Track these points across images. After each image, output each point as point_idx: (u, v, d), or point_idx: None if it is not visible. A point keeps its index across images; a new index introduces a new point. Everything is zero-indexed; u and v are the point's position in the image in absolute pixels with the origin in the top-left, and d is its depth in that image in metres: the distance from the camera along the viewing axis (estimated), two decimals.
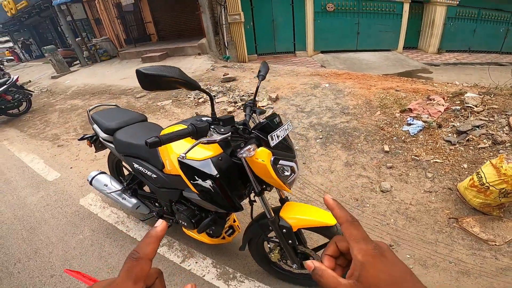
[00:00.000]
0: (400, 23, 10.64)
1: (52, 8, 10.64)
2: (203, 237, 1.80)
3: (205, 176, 1.35)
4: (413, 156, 2.66)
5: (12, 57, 21.48)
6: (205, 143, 1.14)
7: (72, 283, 1.94)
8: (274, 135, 1.17)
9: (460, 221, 1.95)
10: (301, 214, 1.37)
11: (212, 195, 1.38)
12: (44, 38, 20.91)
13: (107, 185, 2.20)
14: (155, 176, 1.67)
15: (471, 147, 2.56)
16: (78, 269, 2.02)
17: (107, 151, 2.43)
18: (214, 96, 4.96)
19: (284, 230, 1.37)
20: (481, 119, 2.86)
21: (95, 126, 2.14)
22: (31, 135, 4.93)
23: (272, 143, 1.17)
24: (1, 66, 12.66)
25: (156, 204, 2.08)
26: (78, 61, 11.08)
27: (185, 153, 1.07)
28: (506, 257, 1.75)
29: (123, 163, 2.45)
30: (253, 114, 1.44)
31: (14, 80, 5.88)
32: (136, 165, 1.79)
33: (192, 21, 10.05)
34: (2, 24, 19.95)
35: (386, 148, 2.85)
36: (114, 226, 2.43)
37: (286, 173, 1.25)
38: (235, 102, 4.54)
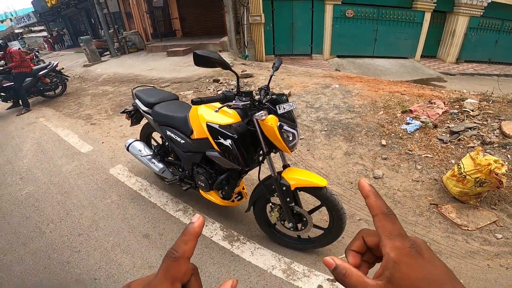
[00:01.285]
0: (420, 32, 10.71)
1: (90, 0, 11.41)
2: (216, 198, 2.10)
3: (226, 136, 1.70)
4: (407, 151, 2.96)
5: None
6: (230, 107, 1.57)
7: (98, 241, 2.24)
8: (281, 106, 1.54)
9: (439, 207, 2.23)
10: (298, 175, 1.70)
11: (230, 152, 1.72)
12: (77, 29, 21.98)
13: (141, 151, 2.60)
14: (183, 141, 2.04)
15: (461, 146, 2.83)
16: (103, 229, 2.36)
17: (137, 130, 2.85)
18: (232, 89, 5.38)
19: (284, 188, 1.69)
20: (475, 122, 3.11)
21: (137, 101, 2.56)
22: (66, 114, 5.50)
23: (280, 111, 1.53)
24: (37, 53, 13.65)
25: (180, 169, 2.46)
26: (108, 52, 11.79)
27: (219, 108, 1.50)
28: (476, 242, 2.00)
29: (153, 135, 2.88)
30: (267, 95, 1.78)
31: (54, 65, 6.50)
32: (169, 133, 2.17)
33: (216, 19, 10.55)
34: (40, 14, 21.22)
35: (384, 142, 3.16)
36: (138, 192, 2.80)
37: (290, 138, 1.60)
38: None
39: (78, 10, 18.53)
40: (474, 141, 2.89)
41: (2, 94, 5.77)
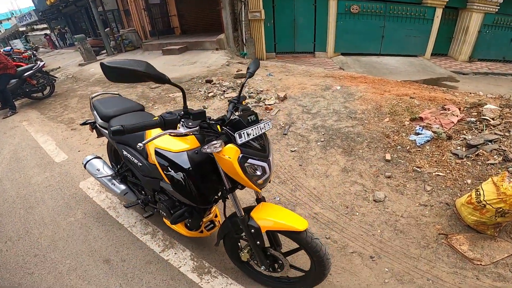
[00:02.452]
0: (430, 29, 10.11)
1: None
2: (181, 229, 1.83)
3: (178, 167, 1.37)
4: (414, 167, 2.53)
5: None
6: (173, 135, 1.18)
7: (53, 263, 2.02)
8: (243, 133, 1.16)
9: (449, 237, 1.83)
10: (272, 216, 1.35)
11: (183, 187, 1.39)
12: (78, 27, 21.91)
13: (99, 170, 2.28)
14: (140, 164, 1.71)
15: (479, 162, 2.38)
16: (61, 251, 2.14)
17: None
18: (224, 91, 4.98)
19: (252, 230, 1.35)
20: (495, 133, 2.65)
21: (94, 112, 2.21)
22: (50, 117, 5.19)
23: (240, 140, 1.16)
24: (35, 52, 13.46)
25: (143, 192, 2.10)
26: (104, 51, 11.52)
27: (144, 143, 1.09)
28: (488, 278, 1.63)
29: None
30: (236, 110, 1.44)
31: (40, 66, 6.21)
32: (125, 152, 1.84)
33: (213, 16, 10.14)
34: (41, 12, 21.16)
35: (388, 156, 2.73)
36: (106, 211, 2.50)
37: (258, 173, 1.24)
38: (245, 97, 4.52)
39: (78, 8, 18.38)
40: (495, 156, 2.43)
41: None
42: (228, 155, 1.16)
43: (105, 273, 1.91)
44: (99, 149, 3.62)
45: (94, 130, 2.39)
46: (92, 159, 2.39)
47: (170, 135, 1.16)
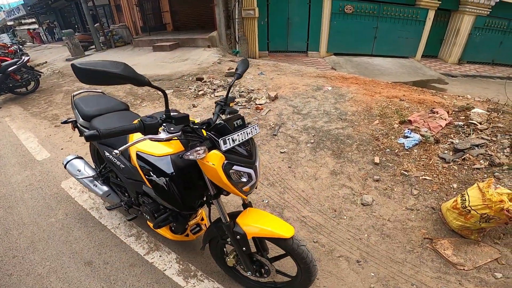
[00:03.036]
0: (422, 30, 10.23)
1: None
2: (165, 232, 1.78)
3: (160, 172, 1.32)
4: (402, 171, 2.53)
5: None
6: (153, 140, 1.10)
7: (32, 265, 1.96)
8: (228, 139, 1.12)
9: (434, 242, 1.85)
10: (258, 222, 1.32)
11: (166, 193, 1.35)
12: (68, 22, 21.41)
13: (80, 171, 2.19)
14: (123, 166, 1.65)
15: (465, 167, 2.41)
16: (41, 252, 2.07)
17: None
18: (214, 90, 4.92)
19: (238, 236, 1.32)
20: (482, 138, 2.69)
21: (76, 111, 2.13)
22: (33, 113, 5.03)
23: (224, 147, 1.11)
24: (21, 47, 13.06)
25: (126, 194, 2.04)
26: (93, 46, 11.25)
27: (120, 150, 1.04)
28: (471, 283, 1.65)
29: None
30: (223, 113, 1.39)
31: (24, 61, 6.02)
32: (107, 154, 1.77)
33: (208, 13, 10.00)
34: (30, 6, 20.55)
35: (377, 160, 2.73)
36: (88, 211, 2.44)
37: (244, 179, 1.20)
38: (234, 98, 4.47)
39: (68, 2, 17.89)
40: (481, 161, 2.46)
41: None
42: (212, 161, 1.12)
43: (86, 276, 1.86)
44: (83, 147, 3.51)
45: (76, 129, 2.30)
46: (72, 159, 2.30)
47: (151, 140, 1.09)
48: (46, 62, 10.60)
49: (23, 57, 6.20)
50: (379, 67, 9.38)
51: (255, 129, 1.24)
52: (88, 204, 2.54)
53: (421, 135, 2.90)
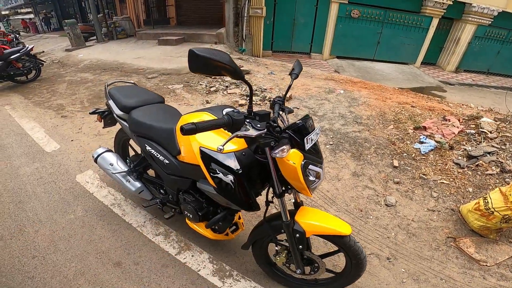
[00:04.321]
0: (424, 38, 10.48)
1: None
2: (207, 232, 1.73)
3: (227, 169, 1.31)
4: (421, 175, 2.68)
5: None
6: (241, 137, 1.15)
7: (56, 266, 1.88)
8: (309, 139, 1.16)
9: (457, 240, 2.00)
10: (316, 220, 1.34)
11: (231, 191, 1.33)
12: (66, 12, 20.94)
13: (112, 165, 2.11)
14: (167, 161, 1.63)
15: (479, 173, 2.57)
16: (63, 252, 1.96)
17: (115, 128, 2.36)
18: (227, 87, 4.98)
19: (297, 235, 1.34)
20: (493, 146, 2.85)
21: (110, 101, 2.07)
22: (36, 102, 4.93)
23: (307, 146, 1.15)
24: (17, 35, 12.76)
25: (161, 191, 2.01)
26: (94, 37, 11.07)
27: (223, 146, 1.03)
28: (493, 278, 1.80)
29: (131, 143, 2.37)
30: (282, 112, 1.39)
31: (28, 49, 5.94)
32: (148, 147, 1.75)
33: (214, 9, 10.01)
34: None
35: (396, 163, 2.86)
36: (110, 208, 2.37)
37: (311, 178, 1.22)
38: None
39: None
40: (493, 168, 2.63)
41: None
42: (292, 160, 1.13)
43: (118, 277, 1.79)
44: (94, 139, 3.45)
45: (102, 120, 2.27)
46: (103, 152, 2.20)
47: (239, 136, 1.10)
48: (43, 51, 10.38)
49: (27, 46, 6.10)
50: (380, 72, 9.58)
51: (319, 130, 1.29)
52: (109, 200, 2.46)
53: (436, 141, 3.05)
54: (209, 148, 1.35)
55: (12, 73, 5.77)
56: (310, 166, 1.19)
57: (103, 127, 2.36)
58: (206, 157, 1.36)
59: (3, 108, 4.72)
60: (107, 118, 2.26)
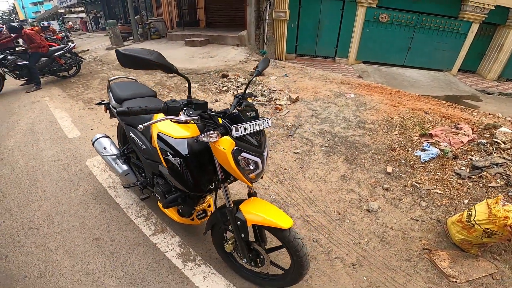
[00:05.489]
0: (462, 44, 9.69)
1: None
2: (172, 214, 1.87)
3: (176, 153, 1.42)
4: (414, 183, 2.50)
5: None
6: (174, 121, 1.27)
7: (44, 238, 2.08)
8: (240, 127, 1.20)
9: (432, 253, 1.85)
10: (260, 211, 1.38)
11: (179, 173, 1.44)
12: (112, 13, 22.49)
13: (105, 148, 2.35)
14: (144, 146, 1.78)
15: (481, 184, 2.34)
16: (55, 226, 2.17)
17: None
18: (238, 87, 5.06)
19: (239, 222, 1.39)
20: (504, 158, 2.58)
21: (110, 94, 2.31)
22: (70, 95, 5.45)
23: (236, 134, 1.20)
24: (68, 34, 14.05)
25: (143, 174, 2.18)
26: (132, 37, 11.86)
27: (143, 125, 1.16)
28: None
29: None
30: (239, 106, 1.44)
31: (70, 47, 6.56)
32: (132, 134, 1.92)
33: (239, 12, 10.22)
34: None
35: (389, 169, 2.71)
36: (106, 190, 2.59)
37: (251, 167, 1.27)
38: (255, 96, 4.58)
39: None
40: (498, 180, 2.38)
41: (17, 71, 5.86)
42: (223, 146, 1.21)
43: (92, 251, 1.96)
44: (110, 129, 3.73)
45: (108, 111, 2.48)
46: (101, 137, 2.48)
47: (171, 121, 1.25)
48: (88, 49, 11.35)
49: (69, 44, 6.75)
50: (409, 78, 9.06)
51: (267, 122, 1.31)
52: (107, 182, 2.69)
53: (440, 150, 2.83)
54: (165, 133, 1.48)
55: (55, 68, 6.43)
56: (244, 154, 1.23)
57: (109, 117, 2.58)
58: (162, 141, 1.49)
59: (42, 99, 5.30)
60: (111, 109, 2.47)
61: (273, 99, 4.50)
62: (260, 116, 1.35)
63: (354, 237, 2.02)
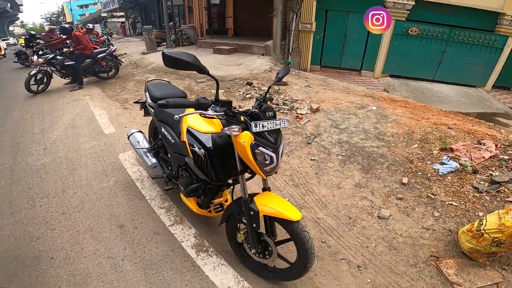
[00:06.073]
0: (497, 59, 9.29)
1: None
2: (192, 205, 2.03)
3: (202, 145, 1.62)
4: (429, 194, 2.51)
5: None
6: (202, 116, 1.50)
7: (75, 222, 2.30)
8: (258, 123, 1.36)
9: (439, 260, 1.86)
10: (272, 203, 1.51)
11: (202, 163, 1.63)
12: (148, 19, 23.74)
13: (139, 142, 2.64)
14: (173, 141, 2.00)
15: (498, 199, 2.31)
16: (86, 212, 2.39)
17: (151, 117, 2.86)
18: (260, 95, 5.24)
19: (251, 212, 1.52)
20: None
21: (146, 93, 2.60)
22: (109, 95, 5.94)
23: (255, 129, 1.36)
24: (109, 37, 15.13)
25: (169, 168, 2.40)
26: (165, 43, 12.58)
27: (180, 116, 1.39)
28: None
29: None
30: (260, 107, 1.60)
31: (111, 50, 7.14)
32: (163, 130, 2.15)
33: (266, 22, 10.49)
34: (123, 0, 23.39)
35: (405, 180, 2.73)
36: (134, 182, 2.84)
37: (267, 161, 1.42)
38: (277, 104, 4.74)
39: (151, 0, 20.02)
40: None
41: (63, 71, 6.47)
42: (243, 139, 1.37)
43: (115, 237, 2.14)
44: (142, 128, 4.00)
45: (142, 109, 2.77)
46: (135, 132, 2.77)
47: (200, 115, 1.47)
48: (125, 53, 12.19)
49: (110, 47, 7.34)
50: (438, 94, 8.80)
51: (284, 123, 1.46)
52: (136, 175, 2.95)
53: (460, 164, 2.81)
54: (194, 128, 1.70)
55: (97, 69, 7.02)
56: (261, 148, 1.39)
57: (143, 115, 2.86)
58: (190, 135, 1.70)
59: (84, 98, 5.84)
60: (146, 108, 2.76)
61: (294, 108, 4.63)
62: (278, 118, 1.50)
63: (362, 240, 2.08)
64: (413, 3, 8.67)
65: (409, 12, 8.84)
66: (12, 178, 3.01)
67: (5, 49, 22.61)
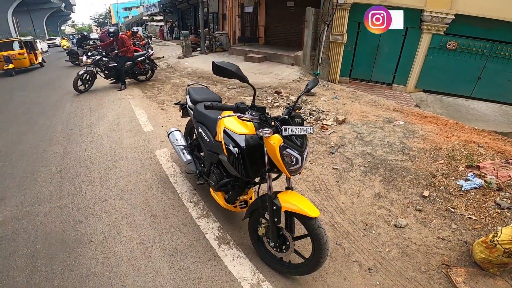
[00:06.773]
0: None
1: None
2: (220, 199, 2.23)
3: (236, 144, 1.83)
4: (449, 207, 2.54)
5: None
6: (240, 118, 1.73)
7: (114, 209, 2.57)
8: (288, 128, 1.57)
9: (450, 268, 1.92)
10: (293, 200, 1.68)
11: (235, 160, 1.82)
12: (185, 24, 24.74)
13: (177, 140, 2.96)
14: (208, 140, 2.25)
15: None
16: (125, 200, 2.66)
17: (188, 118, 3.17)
18: (288, 104, 5.44)
19: (274, 207, 1.71)
20: None
21: (187, 96, 2.90)
22: (148, 96, 6.47)
23: (284, 133, 1.56)
24: (149, 40, 16.12)
25: (202, 165, 2.68)
26: (199, 48, 13.22)
27: (222, 116, 1.71)
28: None
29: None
30: (289, 114, 1.79)
31: (150, 54, 7.74)
32: (200, 130, 2.41)
33: (296, 33, 10.73)
34: (163, 4, 24.67)
35: (426, 193, 2.77)
36: (167, 176, 3.14)
37: (293, 162, 1.60)
38: (303, 114, 4.91)
39: (189, 6, 21.05)
40: None
41: (106, 72, 7.14)
42: (273, 141, 1.56)
43: (148, 225, 2.37)
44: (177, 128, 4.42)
45: (181, 111, 3.08)
46: (175, 130, 3.10)
47: (238, 117, 1.70)
48: (163, 57, 13.00)
49: (149, 51, 7.97)
50: (475, 111, 8.42)
51: (310, 129, 1.65)
52: (169, 171, 3.25)
53: (484, 181, 2.79)
54: (230, 129, 1.93)
55: (136, 72, 7.63)
56: (288, 150, 1.59)
57: (181, 116, 3.18)
58: (227, 135, 1.93)
59: (126, 97, 6.43)
60: (185, 109, 3.08)
61: (320, 118, 4.77)
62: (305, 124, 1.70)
63: (376, 246, 2.18)
64: (453, 17, 8.44)
65: (448, 26, 8.62)
66: (62, 165, 3.45)
67: (46, 51, 23.16)
